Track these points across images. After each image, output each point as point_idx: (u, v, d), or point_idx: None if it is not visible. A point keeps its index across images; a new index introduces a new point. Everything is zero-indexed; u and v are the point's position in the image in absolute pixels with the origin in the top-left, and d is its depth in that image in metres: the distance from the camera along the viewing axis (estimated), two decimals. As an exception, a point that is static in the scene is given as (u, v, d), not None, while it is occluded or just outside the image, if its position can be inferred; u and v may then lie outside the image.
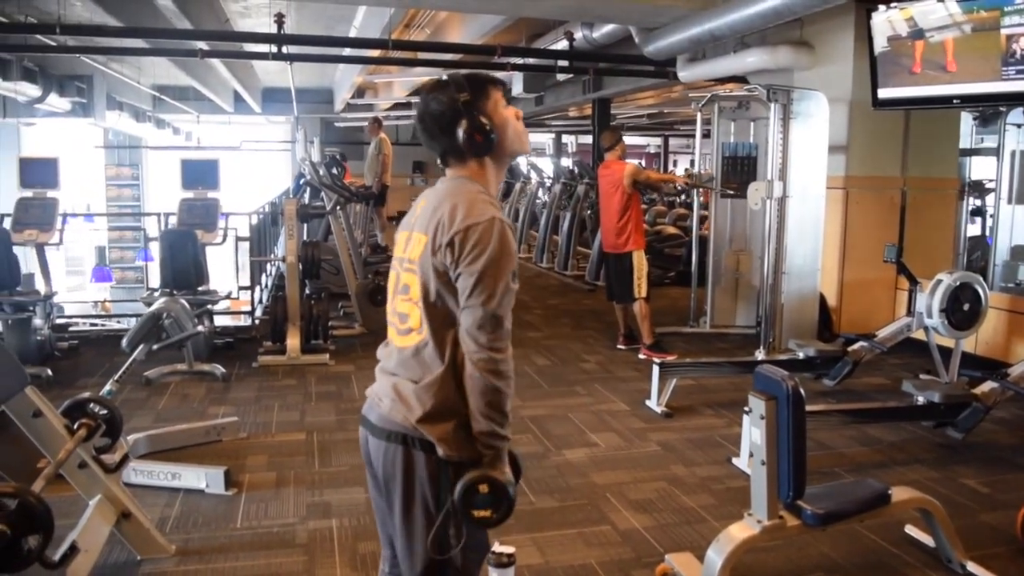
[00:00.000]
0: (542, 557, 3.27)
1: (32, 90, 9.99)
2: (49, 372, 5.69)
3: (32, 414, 2.99)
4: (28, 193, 6.18)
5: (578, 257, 11.30)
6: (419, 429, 1.82)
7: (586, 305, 9.01)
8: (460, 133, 1.84)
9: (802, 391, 2.71)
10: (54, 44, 8.20)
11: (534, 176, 14.46)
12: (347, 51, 10.44)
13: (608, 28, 8.22)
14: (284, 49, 7.96)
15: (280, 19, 7.68)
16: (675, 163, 23.71)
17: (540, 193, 14.03)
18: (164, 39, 8.31)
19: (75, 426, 3.10)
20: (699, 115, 7.27)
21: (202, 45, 8.89)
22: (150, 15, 8.20)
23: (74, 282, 17.09)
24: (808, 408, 4.70)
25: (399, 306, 1.90)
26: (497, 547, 2.96)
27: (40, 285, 6.31)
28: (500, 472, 1.80)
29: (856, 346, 5.32)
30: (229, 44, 10.05)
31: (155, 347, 3.95)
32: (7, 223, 6.15)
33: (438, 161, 1.94)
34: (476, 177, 1.90)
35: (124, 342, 3.96)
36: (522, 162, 15.26)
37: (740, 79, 7.90)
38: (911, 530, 3.36)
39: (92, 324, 9.04)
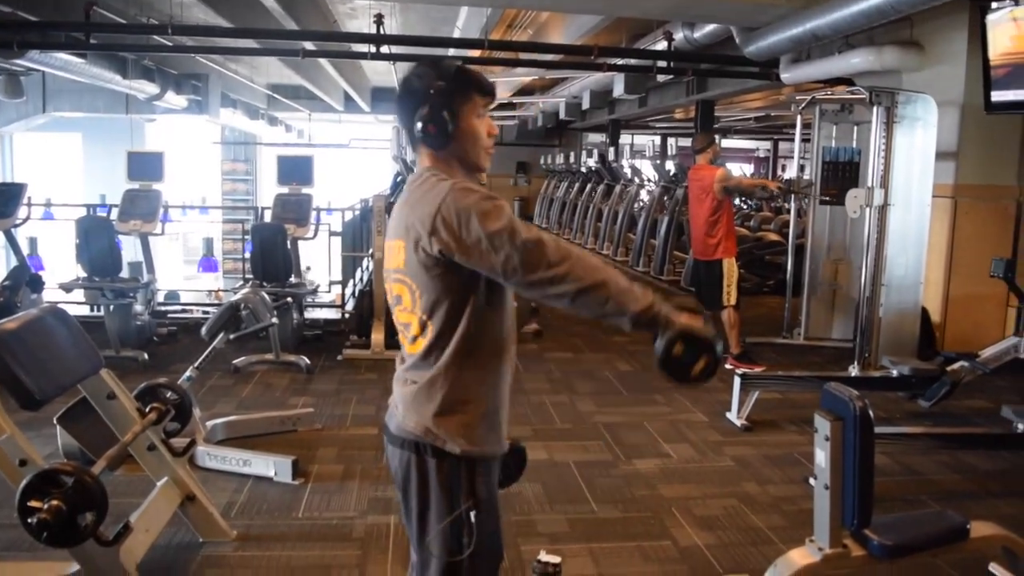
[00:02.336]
0: (596, 568, 3.19)
1: (150, 88, 10.53)
2: (145, 356, 5.97)
3: (107, 396, 3.11)
4: (135, 185, 6.49)
5: (674, 262, 11.09)
6: (433, 432, 1.80)
7: (677, 311, 8.80)
8: (417, 117, 1.78)
9: (871, 412, 2.53)
10: (170, 44, 8.60)
11: (636, 179, 14.25)
12: (451, 51, 10.53)
13: (709, 28, 7.99)
14: (383, 49, 8.07)
15: (379, 20, 7.80)
16: (783, 168, 22.97)
17: (643, 195, 13.83)
18: (269, 39, 8.58)
19: (147, 409, 3.22)
20: (799, 118, 6.99)
21: (308, 45, 9.15)
22: (260, 17, 8.50)
23: (191, 271, 17.96)
24: (897, 430, 4.51)
25: (399, 316, 1.86)
26: (543, 556, 2.90)
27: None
28: (680, 324, 1.68)
29: (956, 366, 4.98)
30: (334, 45, 10.31)
31: (231, 336, 4.07)
32: (114, 214, 6.48)
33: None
34: (440, 168, 1.82)
35: (203, 331, 4.09)
36: (625, 164, 15.11)
37: (847, 81, 7.56)
38: (996, 568, 3.09)
39: (204, 312, 9.45)
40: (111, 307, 5.98)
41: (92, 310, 6.94)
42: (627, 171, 14.53)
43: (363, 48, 8.30)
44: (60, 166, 16.81)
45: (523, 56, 10.74)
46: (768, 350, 6.72)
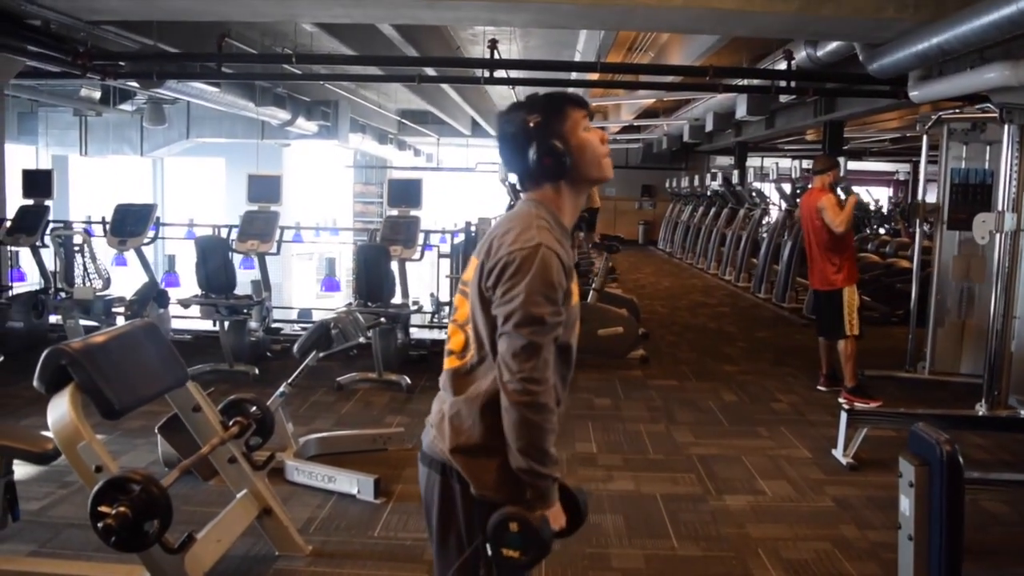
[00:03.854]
0: (666, 608, 3.05)
1: (281, 114, 11.06)
2: (256, 371, 6.21)
3: (192, 408, 3.23)
4: (254, 207, 6.79)
5: (797, 288, 10.64)
6: (453, 462, 1.76)
7: (795, 340, 8.45)
8: (530, 156, 1.78)
9: (960, 459, 2.31)
10: (299, 72, 9.01)
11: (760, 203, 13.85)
12: (573, 75, 10.54)
13: (832, 46, 7.65)
14: (498, 73, 8.17)
15: (493, 45, 7.90)
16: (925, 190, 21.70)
17: (774, 218, 13.41)
18: (387, 66, 8.85)
19: (230, 423, 3.33)
20: (925, 138, 6.58)
21: (429, 71, 9.37)
22: (383, 45, 8.79)
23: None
24: (1019, 477, 4.11)
25: (449, 329, 1.88)
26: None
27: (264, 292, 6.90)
28: (537, 513, 1.69)
29: (1095, 409, 4.53)
30: (452, 70, 10.53)
31: (321, 355, 4.17)
32: (233, 234, 6.80)
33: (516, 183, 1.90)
34: (548, 202, 1.83)
35: (295, 348, 4.22)
36: (752, 187, 14.70)
37: (985, 98, 7.04)
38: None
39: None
40: (226, 323, 6.25)
41: (213, 325, 7.29)
42: (754, 194, 14.14)
43: (478, 73, 8.43)
44: (206, 189, 17.90)
45: (642, 78, 10.66)
46: (890, 384, 6.33)
